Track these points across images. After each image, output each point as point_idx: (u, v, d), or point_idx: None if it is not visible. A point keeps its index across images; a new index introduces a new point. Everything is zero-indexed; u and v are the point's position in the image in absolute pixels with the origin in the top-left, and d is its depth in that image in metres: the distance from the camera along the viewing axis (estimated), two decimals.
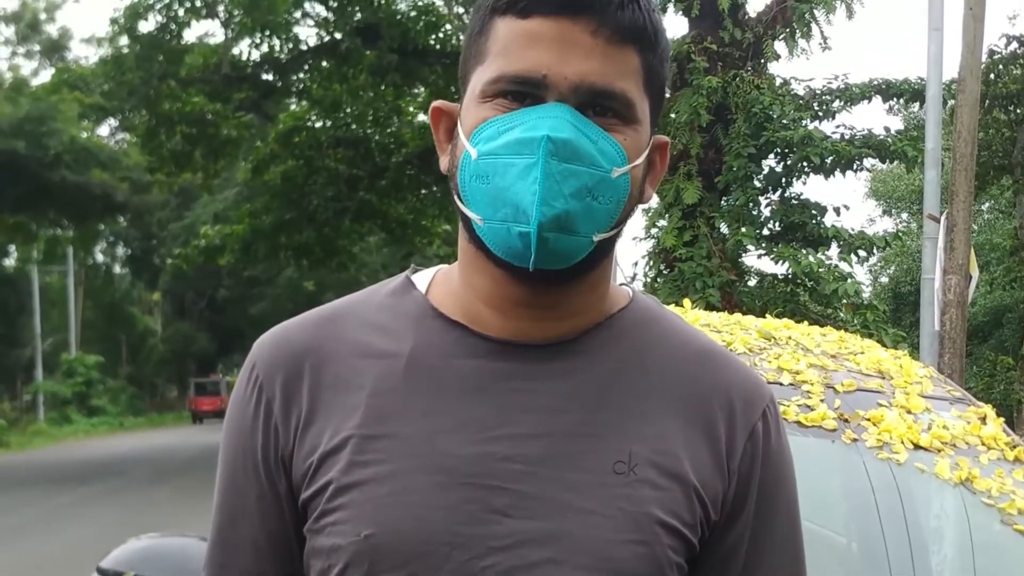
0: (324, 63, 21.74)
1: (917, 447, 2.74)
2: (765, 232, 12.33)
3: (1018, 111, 16.68)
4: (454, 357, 1.37)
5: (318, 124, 22.46)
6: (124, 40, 21.03)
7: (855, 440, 2.71)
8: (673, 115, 11.84)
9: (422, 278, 1.47)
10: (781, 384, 2.80)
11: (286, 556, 1.41)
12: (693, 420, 1.38)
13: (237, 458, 1.43)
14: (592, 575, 1.30)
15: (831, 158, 11.87)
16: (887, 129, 12.52)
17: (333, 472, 1.34)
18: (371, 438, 1.34)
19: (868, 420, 2.77)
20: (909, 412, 2.85)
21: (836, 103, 12.66)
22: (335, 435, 1.35)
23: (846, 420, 2.76)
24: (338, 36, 20.61)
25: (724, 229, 12.24)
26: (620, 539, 1.31)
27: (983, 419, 2.97)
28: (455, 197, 1.36)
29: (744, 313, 3.95)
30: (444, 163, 1.41)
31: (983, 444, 2.85)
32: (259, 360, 1.43)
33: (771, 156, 12.29)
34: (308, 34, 22.95)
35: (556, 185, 1.26)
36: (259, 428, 1.40)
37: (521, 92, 1.31)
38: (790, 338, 3.21)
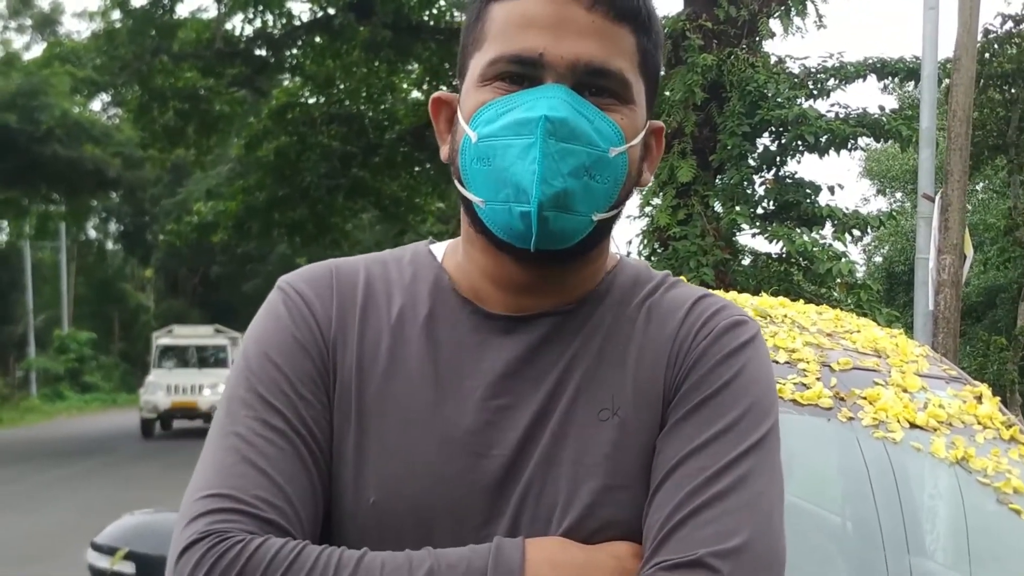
0: (317, 39, 21.65)
1: (913, 426, 2.74)
2: (759, 211, 12.32)
3: (1013, 91, 16.69)
4: (462, 330, 1.42)
5: (311, 100, 22.42)
6: (116, 14, 20.92)
7: (851, 419, 2.71)
8: (668, 93, 11.82)
9: (438, 250, 1.51)
10: (777, 362, 2.79)
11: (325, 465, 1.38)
12: (668, 353, 1.40)
13: (294, 357, 1.39)
14: (583, 523, 1.33)
15: (825, 137, 11.86)
16: (882, 108, 12.49)
17: (343, 432, 1.37)
18: (381, 400, 1.38)
19: (864, 399, 2.76)
20: (905, 391, 2.85)
21: (831, 82, 12.63)
22: (348, 394, 1.39)
23: (842, 399, 2.75)
24: (331, 11, 20.52)
25: (718, 208, 12.23)
26: (606, 485, 1.34)
27: (979, 398, 2.97)
28: (456, 182, 1.39)
29: (738, 292, 3.94)
30: (444, 152, 1.44)
31: (979, 423, 2.85)
32: (305, 291, 1.44)
33: (765, 135, 12.26)
34: (301, 9, 22.95)
35: (554, 164, 1.29)
36: (313, 349, 1.40)
37: (519, 74, 1.33)
38: (786, 316, 3.20)
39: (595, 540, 1.32)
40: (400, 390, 1.38)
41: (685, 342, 1.39)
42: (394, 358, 1.40)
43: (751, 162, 12.21)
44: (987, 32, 16.03)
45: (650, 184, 9.59)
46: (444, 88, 1.47)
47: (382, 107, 22.40)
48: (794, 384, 2.72)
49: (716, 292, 3.41)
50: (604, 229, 1.39)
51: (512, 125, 1.30)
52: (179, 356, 27.10)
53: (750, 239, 12.66)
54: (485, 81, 1.35)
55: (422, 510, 1.34)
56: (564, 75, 1.31)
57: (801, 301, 3.54)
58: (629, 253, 12.58)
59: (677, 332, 1.40)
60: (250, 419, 1.35)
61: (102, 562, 3.31)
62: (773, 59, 12.55)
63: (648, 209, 12.60)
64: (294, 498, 1.31)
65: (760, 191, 12.34)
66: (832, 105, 12.59)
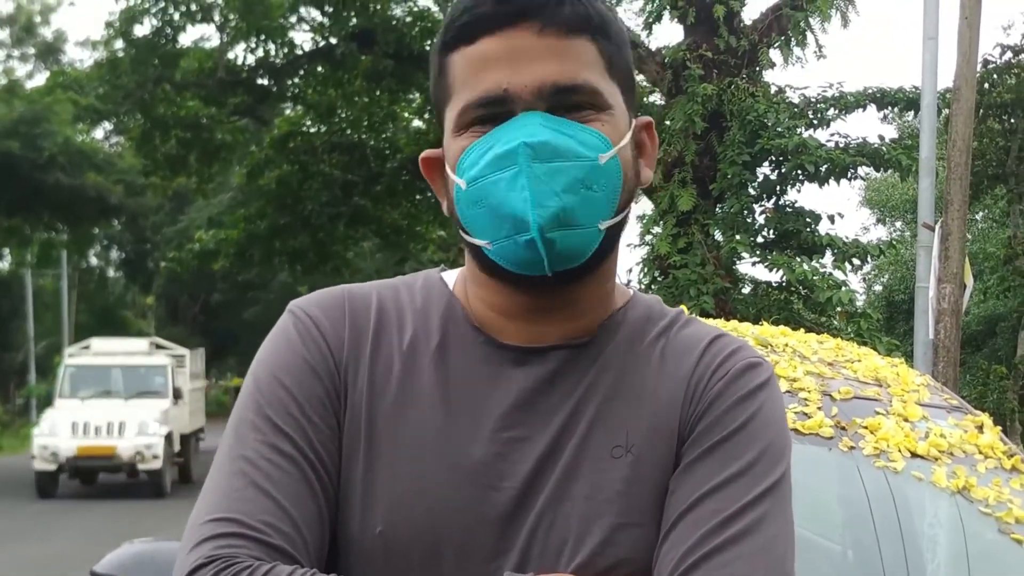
0: (319, 68, 21.70)
1: (914, 455, 2.74)
2: (759, 239, 12.35)
3: (1012, 121, 16.73)
4: (475, 359, 1.41)
5: (313, 129, 22.46)
6: (119, 43, 20.97)
7: (852, 448, 2.71)
8: (668, 122, 11.86)
9: (450, 277, 1.51)
10: None
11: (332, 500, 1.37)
12: (684, 392, 1.40)
13: (305, 384, 1.39)
14: (594, 560, 1.32)
15: (825, 166, 11.89)
16: (881, 138, 12.54)
17: (352, 460, 1.37)
18: (393, 428, 1.37)
19: (865, 428, 2.77)
20: (906, 420, 2.85)
21: (831, 111, 12.68)
22: (359, 421, 1.38)
23: (843, 428, 2.76)
24: (333, 41, 20.58)
25: (719, 236, 12.26)
26: (618, 523, 1.34)
27: (980, 428, 2.97)
28: (460, 233, 1.40)
29: (739, 320, 3.95)
30: (445, 207, 1.45)
31: (980, 453, 2.85)
32: (317, 316, 1.43)
33: (766, 164, 12.31)
34: (303, 39, 22.91)
35: (545, 185, 1.29)
36: (323, 372, 1.39)
37: (490, 114, 1.34)
38: (787, 345, 3.21)
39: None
40: (410, 418, 1.38)
41: (701, 382, 1.39)
42: (405, 385, 1.39)
43: (751, 191, 12.24)
44: (986, 62, 16.08)
45: (650, 213, 9.56)
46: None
47: (383, 136, 22.43)
48: (795, 413, 2.73)
49: (718, 321, 3.42)
50: (613, 237, 1.38)
51: (494, 161, 1.31)
52: (97, 380, 20.31)
53: (750, 267, 12.70)
54: (460, 129, 1.36)
55: (430, 541, 1.33)
56: (533, 103, 1.32)
57: (802, 330, 3.55)
58: (629, 282, 12.60)
59: (693, 371, 1.40)
60: (258, 443, 1.34)
61: None
62: (773, 89, 12.60)
63: (648, 237, 12.63)
64: (301, 524, 1.30)
65: (760, 220, 12.37)
66: (832, 134, 12.64)
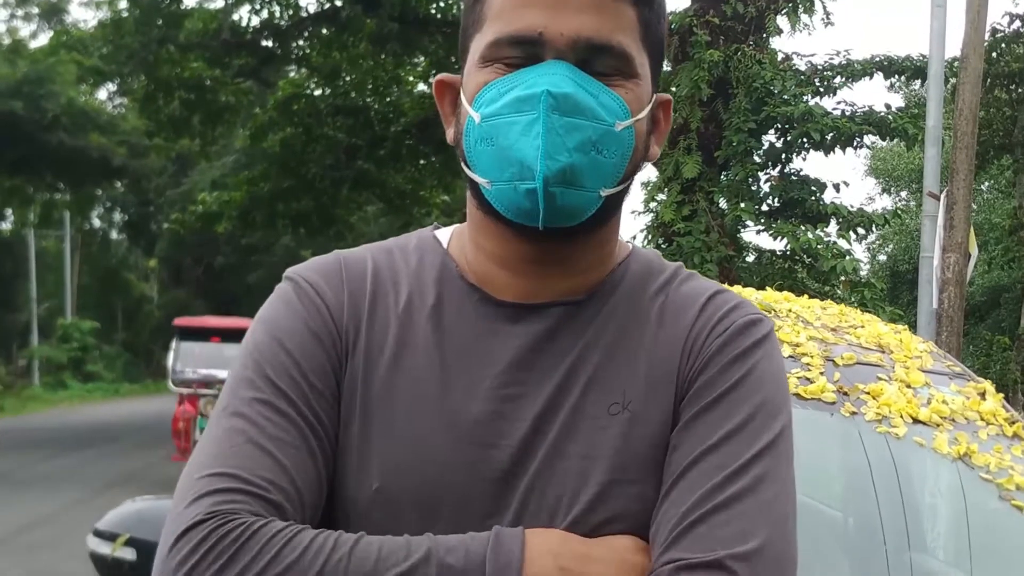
0: (324, 30, 21.60)
1: (916, 421, 2.74)
2: (764, 208, 12.30)
3: (1019, 90, 16.66)
4: (470, 317, 1.40)
5: (317, 92, 22.37)
6: (123, 3, 20.91)
7: (854, 413, 2.71)
8: (674, 89, 11.80)
9: (444, 236, 1.50)
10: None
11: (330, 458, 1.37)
12: (682, 348, 1.39)
13: (307, 346, 1.38)
14: (588, 516, 1.32)
15: (831, 134, 11.83)
16: (888, 106, 12.46)
17: (349, 419, 1.36)
18: (388, 389, 1.37)
19: (867, 393, 2.77)
20: (909, 386, 2.85)
21: (837, 79, 12.60)
22: (355, 383, 1.38)
23: (845, 393, 2.75)
24: (338, 3, 20.47)
25: (723, 204, 12.22)
26: (613, 479, 1.33)
27: (982, 394, 2.97)
28: (462, 164, 1.38)
29: (742, 287, 3.94)
30: (450, 134, 1.43)
31: (982, 419, 2.85)
32: (317, 281, 1.43)
33: (771, 131, 12.24)
34: (308, 1, 22.82)
35: (559, 139, 1.27)
36: (326, 338, 1.39)
37: (519, 53, 1.32)
38: (790, 311, 3.20)
39: (601, 533, 1.31)
40: (407, 378, 1.37)
41: (699, 338, 1.38)
42: (401, 346, 1.39)
43: (756, 159, 12.19)
44: (995, 31, 15.99)
45: (655, 180, 9.49)
46: None
47: (388, 100, 22.34)
48: (798, 378, 2.73)
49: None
50: (613, 205, 1.37)
51: (514, 103, 1.29)
52: None
53: (754, 236, 12.67)
54: (486, 62, 1.34)
55: (426, 498, 1.33)
56: (565, 52, 1.30)
57: (805, 297, 3.54)
58: (634, 238, 12.57)
59: (691, 327, 1.39)
60: (257, 402, 1.33)
61: (103, 548, 3.32)
62: (780, 56, 12.53)
63: (653, 205, 12.59)
64: (299, 482, 1.29)
65: (765, 188, 12.33)
66: (838, 103, 12.58)
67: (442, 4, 20.47)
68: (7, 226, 39.70)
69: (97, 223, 44.09)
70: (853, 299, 11.28)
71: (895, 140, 12.67)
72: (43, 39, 32.99)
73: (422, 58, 22.36)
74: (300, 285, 1.42)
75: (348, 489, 1.35)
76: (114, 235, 45.57)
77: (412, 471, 1.33)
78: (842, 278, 11.60)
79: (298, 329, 1.38)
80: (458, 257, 1.45)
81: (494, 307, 1.40)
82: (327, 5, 20.97)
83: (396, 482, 1.33)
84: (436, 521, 1.32)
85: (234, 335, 16.15)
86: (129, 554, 3.25)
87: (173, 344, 16.56)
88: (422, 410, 1.36)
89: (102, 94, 29.45)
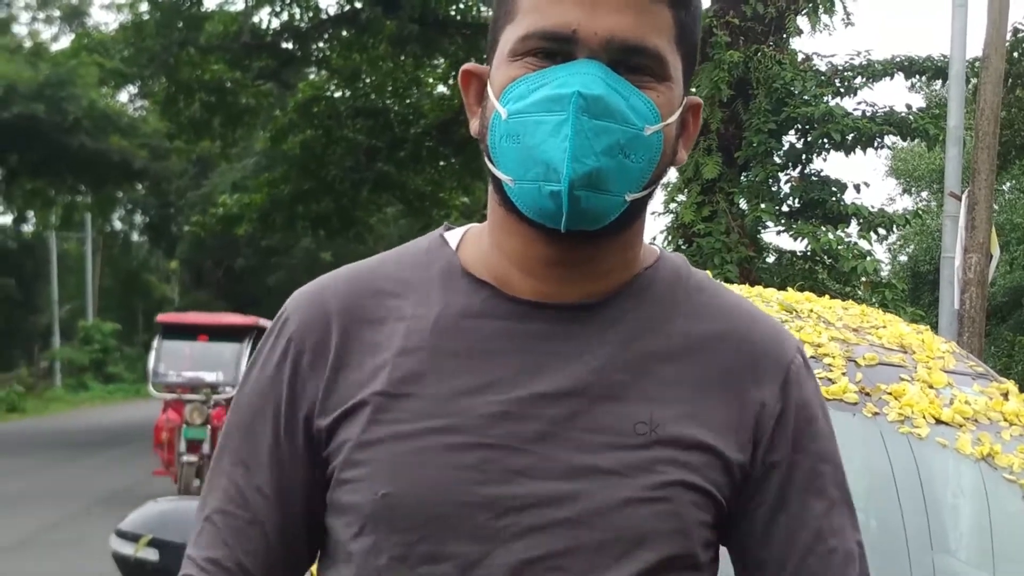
0: (344, 32, 21.66)
1: (939, 422, 2.73)
2: (784, 208, 12.27)
3: None
4: (480, 317, 1.36)
5: (337, 94, 22.41)
6: (144, 6, 21.02)
7: (876, 414, 2.70)
8: (694, 89, 11.72)
9: (454, 236, 1.46)
10: None
11: (290, 508, 1.40)
12: (717, 382, 1.36)
13: (255, 405, 1.42)
14: (611, 534, 1.29)
15: (852, 135, 11.79)
16: (909, 107, 12.42)
17: (354, 430, 1.33)
18: (394, 397, 1.33)
19: (890, 394, 2.76)
20: (931, 386, 2.83)
21: (858, 80, 12.55)
22: (358, 393, 1.34)
23: (867, 394, 2.74)
24: (358, 5, 20.53)
25: (743, 205, 12.18)
26: (639, 497, 1.29)
27: (1005, 395, 2.95)
28: (485, 159, 1.35)
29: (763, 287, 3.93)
30: (474, 126, 1.40)
31: (1005, 420, 2.83)
32: (292, 315, 1.42)
33: (791, 132, 12.20)
34: (328, 2, 22.84)
35: (587, 142, 1.24)
36: (284, 380, 1.40)
37: (551, 49, 1.29)
38: (811, 311, 3.19)
39: (624, 556, 1.29)
40: (413, 384, 1.34)
41: (762, 403, 1.38)
42: (405, 353, 1.35)
43: (777, 159, 12.16)
44: (1016, 31, 15.90)
45: (675, 181, 9.49)
46: None
47: (408, 101, 22.36)
48: (820, 379, 2.72)
49: (742, 288, 3.40)
50: (638, 209, 1.34)
51: (543, 101, 1.26)
52: None
53: (775, 236, 12.63)
54: (516, 56, 1.31)
55: (434, 503, 1.30)
56: (598, 52, 1.27)
57: (826, 297, 3.53)
58: (655, 239, 12.55)
59: (742, 381, 1.38)
60: (219, 470, 1.45)
61: (126, 548, 3.33)
62: (800, 56, 12.49)
63: (673, 206, 12.57)
64: (241, 557, 1.41)
65: (785, 188, 12.30)
66: (859, 103, 12.51)
67: (462, 6, 20.51)
68: (29, 228, 39.91)
69: (118, 225, 44.33)
70: (874, 300, 11.24)
71: (916, 140, 12.63)
72: (64, 42, 33.16)
73: (442, 60, 22.38)
74: (283, 320, 1.43)
75: (353, 495, 1.33)
76: (135, 237, 45.79)
77: (420, 476, 1.31)
78: (863, 279, 11.56)
79: (273, 365, 1.41)
80: (470, 256, 1.41)
81: (506, 304, 1.36)
82: (347, 7, 21.02)
83: (404, 487, 1.31)
84: (445, 524, 1.30)
85: (224, 333, 14.71)
86: (152, 555, 3.27)
87: (155, 343, 14.69)
88: (429, 413, 1.32)
89: (123, 96, 29.66)
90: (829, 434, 1.43)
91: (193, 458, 12.71)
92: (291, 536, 1.42)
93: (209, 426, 12.94)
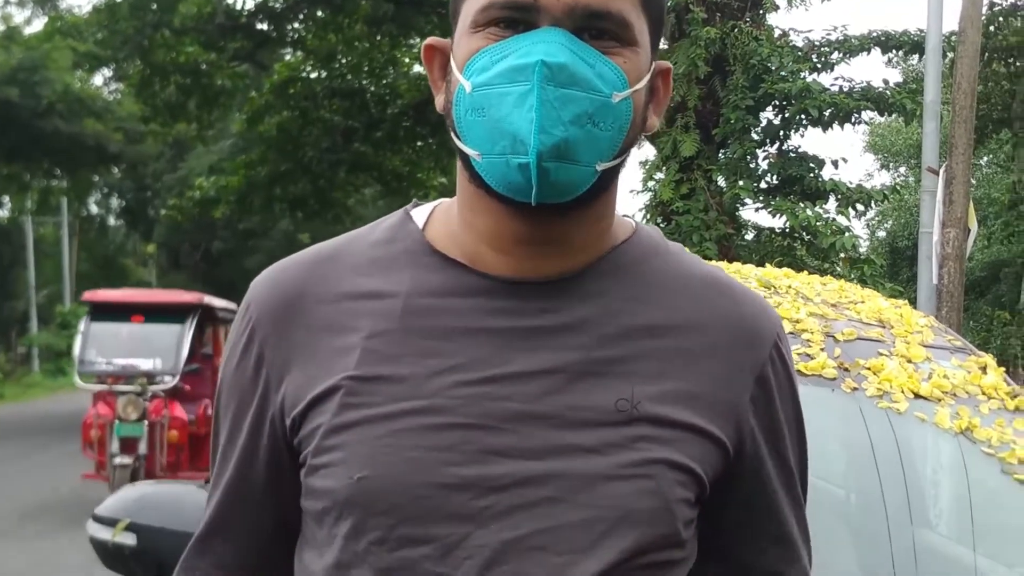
0: (319, 12, 21.55)
1: (917, 396, 2.73)
2: (763, 185, 12.29)
3: (1018, 64, 16.62)
4: (451, 296, 1.33)
5: (313, 75, 22.31)
6: None
7: (855, 389, 2.70)
8: (672, 66, 11.74)
9: (420, 213, 1.43)
10: None
11: (267, 495, 1.40)
12: (698, 355, 1.35)
13: (231, 396, 1.41)
14: (593, 512, 1.27)
15: (829, 111, 11.80)
16: (886, 82, 12.44)
17: (326, 415, 1.31)
18: (365, 380, 1.30)
19: (868, 369, 2.75)
20: (909, 361, 2.83)
21: (835, 55, 12.56)
22: (328, 378, 1.32)
23: (846, 369, 2.74)
24: None
25: (721, 182, 12.20)
26: (621, 474, 1.27)
27: (983, 368, 2.96)
28: (452, 134, 1.32)
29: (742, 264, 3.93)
30: (440, 101, 1.37)
31: (983, 393, 2.83)
32: (254, 300, 1.40)
33: (769, 108, 12.21)
34: None
35: (554, 112, 1.22)
36: (250, 368, 1.38)
37: (513, 18, 1.26)
38: (790, 287, 3.19)
39: (603, 536, 1.27)
40: (384, 366, 1.31)
41: (743, 379, 1.37)
42: (373, 334, 1.33)
43: (754, 136, 12.16)
44: (992, 4, 15.94)
45: (652, 159, 9.48)
46: None
47: (384, 82, 22.28)
48: (798, 355, 2.71)
49: (721, 264, 3.39)
50: (609, 179, 1.31)
51: (507, 72, 1.24)
52: None
53: (753, 213, 12.69)
54: (477, 27, 1.28)
55: (411, 484, 1.27)
56: (561, 19, 1.25)
57: (805, 273, 3.52)
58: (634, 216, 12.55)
59: (723, 356, 1.36)
60: (213, 472, 1.48)
61: (104, 534, 3.31)
62: (777, 32, 12.49)
63: (651, 184, 12.57)
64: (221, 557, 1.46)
65: (763, 165, 12.31)
66: (836, 79, 12.56)
67: None
68: (4, 213, 39.69)
69: (95, 209, 44.02)
70: (853, 276, 11.27)
71: (893, 115, 12.65)
72: (38, 25, 32.91)
73: (418, 39, 22.27)
74: (246, 307, 1.41)
75: (327, 480, 1.31)
76: (112, 221, 45.50)
77: (396, 460, 1.28)
78: (841, 255, 11.60)
79: (238, 355, 1.40)
80: (439, 233, 1.39)
81: (477, 281, 1.34)
82: None
83: (380, 471, 1.28)
84: (422, 506, 1.27)
85: (162, 313, 12.66)
86: (130, 539, 3.24)
87: (81, 326, 12.70)
88: (403, 397, 1.29)
89: (98, 80, 29.45)
90: (800, 417, 1.46)
91: (127, 460, 11.07)
92: (266, 528, 1.43)
93: (146, 422, 11.34)
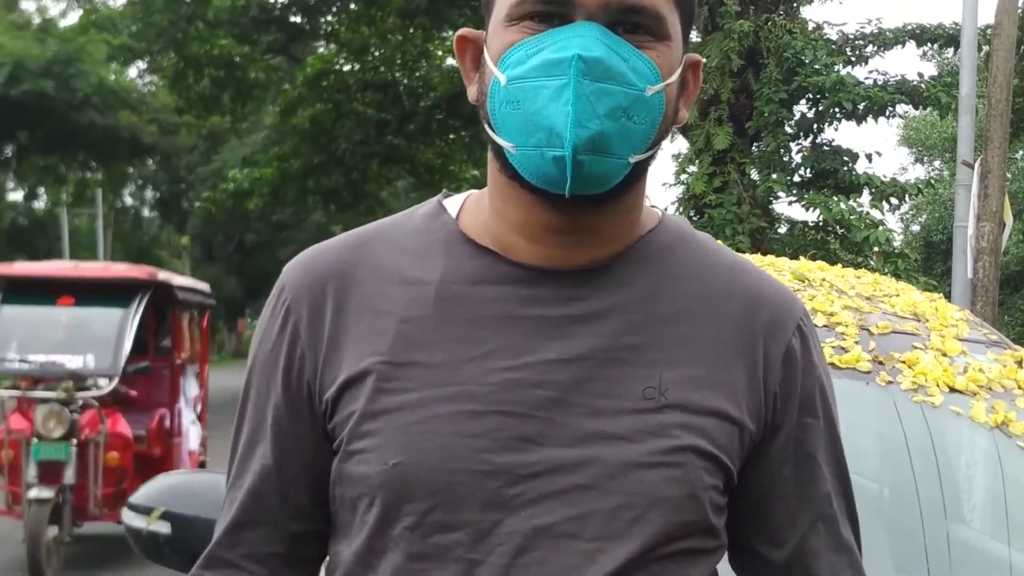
0: (352, 5, 21.58)
1: (952, 390, 2.71)
2: (796, 179, 12.26)
3: None
4: (483, 284, 1.35)
5: (346, 67, 22.35)
6: None
7: (890, 383, 2.68)
8: (704, 60, 11.70)
9: (453, 203, 1.44)
10: (816, 326, 2.76)
11: (301, 481, 1.40)
12: (725, 341, 1.36)
13: (262, 380, 1.42)
14: (623, 499, 1.28)
15: (863, 104, 11.75)
16: (920, 75, 12.38)
17: (360, 401, 1.32)
18: (398, 365, 1.32)
19: (903, 362, 2.74)
20: (945, 355, 2.82)
21: (869, 48, 12.51)
22: (361, 361, 1.33)
23: (881, 362, 2.73)
24: None
25: (754, 175, 12.16)
26: (650, 462, 1.29)
27: (1020, 362, 2.93)
28: (485, 126, 1.34)
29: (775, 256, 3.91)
30: (472, 93, 1.38)
31: (1019, 388, 2.81)
32: (288, 283, 1.41)
33: (803, 102, 12.17)
34: None
35: (589, 105, 1.23)
36: (283, 352, 1.39)
37: (548, 12, 1.27)
38: (824, 280, 3.17)
39: (629, 524, 1.28)
40: (418, 352, 1.33)
41: (769, 365, 1.38)
42: (407, 321, 1.34)
43: (788, 129, 12.12)
44: None
45: (686, 151, 9.51)
46: None
47: (417, 74, 22.31)
48: (832, 348, 2.70)
49: (755, 257, 3.38)
50: (640, 170, 1.32)
51: (543, 66, 1.25)
52: None
53: (786, 207, 12.61)
54: (513, 20, 1.29)
55: (445, 471, 1.29)
56: (596, 13, 1.26)
57: (839, 266, 3.51)
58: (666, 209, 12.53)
59: (749, 342, 1.37)
60: (238, 450, 1.46)
61: (138, 522, 3.33)
62: (811, 25, 12.45)
63: (684, 177, 12.54)
64: (254, 545, 1.44)
65: (797, 158, 12.26)
66: (870, 72, 12.48)
67: None
68: (41, 205, 39.95)
69: (129, 201, 44.32)
70: (886, 270, 11.22)
71: (928, 109, 12.58)
72: (72, 18, 33.08)
73: (451, 32, 22.28)
74: (280, 288, 1.42)
75: (363, 466, 1.32)
76: (146, 213, 45.79)
77: (430, 444, 1.29)
78: (875, 249, 11.54)
79: (272, 338, 1.40)
80: (471, 222, 1.40)
81: (509, 269, 1.35)
82: None
83: (414, 456, 1.29)
84: (456, 491, 1.29)
85: (100, 293, 9.46)
86: (164, 527, 3.26)
87: None
88: (437, 383, 1.31)
89: (132, 72, 29.59)
90: (832, 396, 1.46)
91: (47, 492, 7.99)
92: (300, 514, 1.43)
93: (75, 440, 8.26)
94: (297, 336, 1.38)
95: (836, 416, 1.46)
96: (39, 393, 8.46)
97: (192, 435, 10.95)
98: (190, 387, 11.23)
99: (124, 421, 9.20)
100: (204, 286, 12.31)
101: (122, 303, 9.32)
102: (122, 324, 9.13)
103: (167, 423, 10.17)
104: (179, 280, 10.90)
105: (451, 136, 23.67)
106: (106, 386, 8.82)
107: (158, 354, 10.69)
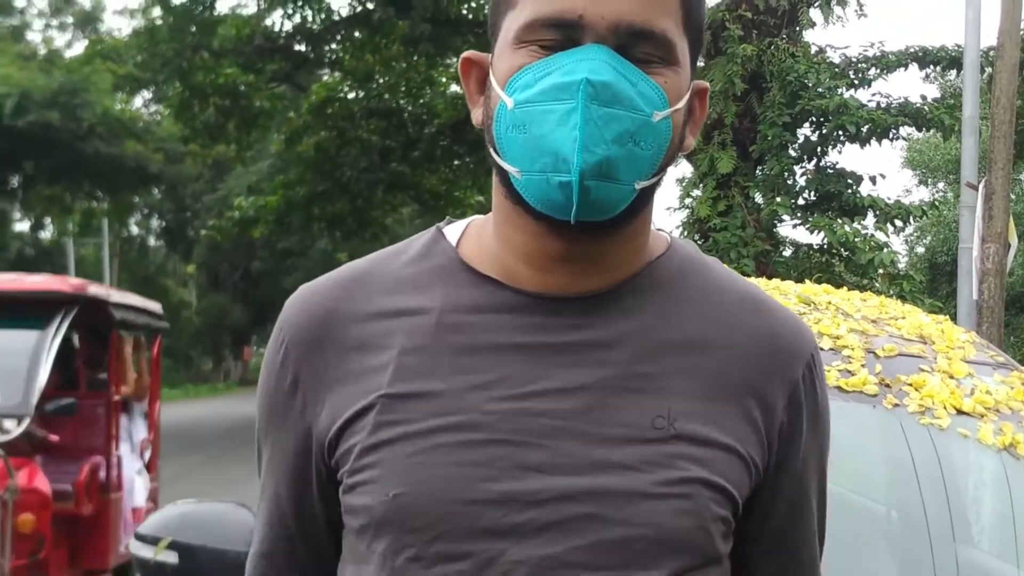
0: (356, 33, 21.69)
1: (960, 412, 2.70)
2: (800, 201, 12.27)
3: None
4: (485, 312, 1.33)
5: (351, 95, 22.44)
6: (157, 11, 21.12)
7: (896, 405, 2.68)
8: (708, 83, 11.73)
9: (454, 230, 1.43)
10: (822, 349, 2.76)
11: (328, 519, 1.40)
12: (734, 373, 1.34)
13: (271, 423, 1.42)
14: (631, 530, 1.26)
15: (867, 127, 11.77)
16: (923, 97, 12.39)
17: (362, 434, 1.31)
18: (399, 397, 1.30)
19: (910, 385, 2.73)
20: (951, 377, 2.81)
21: (872, 71, 12.53)
22: (362, 397, 1.32)
23: (887, 385, 2.72)
24: (370, 6, 20.54)
25: (759, 199, 12.18)
26: (659, 493, 1.27)
27: None
28: (490, 150, 1.32)
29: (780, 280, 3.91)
30: (477, 116, 1.36)
31: None
32: (286, 323, 1.41)
33: (806, 125, 12.19)
34: (340, 4, 22.94)
35: (597, 130, 1.21)
36: (285, 390, 1.39)
37: (557, 37, 1.25)
38: (830, 303, 3.17)
39: (640, 554, 1.26)
40: (418, 383, 1.31)
41: (775, 399, 1.37)
42: (410, 351, 1.32)
43: (792, 152, 12.15)
44: None
45: (690, 176, 9.50)
46: None
47: (421, 101, 22.38)
48: (839, 371, 2.70)
49: (760, 281, 3.38)
50: (646, 197, 1.30)
51: (551, 90, 1.22)
52: None
53: (791, 230, 12.63)
54: (520, 44, 1.27)
55: (446, 500, 1.27)
56: (605, 37, 1.24)
57: (844, 289, 3.51)
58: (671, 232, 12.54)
59: (757, 374, 1.36)
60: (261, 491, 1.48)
61: (145, 552, 3.32)
62: (814, 49, 12.47)
63: (688, 201, 12.55)
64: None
65: (801, 182, 12.28)
66: (873, 95, 12.51)
67: (474, 4, 20.50)
68: (47, 235, 40.05)
69: (135, 230, 44.45)
70: (892, 292, 11.21)
71: (931, 131, 12.60)
72: (78, 48, 33.26)
73: (455, 59, 22.36)
74: (279, 328, 1.41)
75: (364, 498, 1.31)
76: (152, 241, 45.90)
77: (431, 476, 1.28)
78: (880, 271, 11.54)
79: (274, 378, 1.40)
80: (473, 250, 1.38)
81: (511, 297, 1.32)
82: (359, 8, 21.05)
83: (415, 488, 1.28)
84: (457, 522, 1.27)
85: (9, 310, 7.67)
86: (171, 557, 3.26)
87: None
88: (438, 413, 1.29)
89: (137, 102, 29.74)
90: (827, 444, 1.46)
91: None
92: (317, 545, 1.44)
93: None
94: (298, 375, 1.37)
95: (828, 446, 1.47)
96: None
97: (138, 488, 9.09)
98: (136, 429, 9.56)
99: (42, 474, 7.28)
100: (155, 306, 10.44)
101: (38, 323, 7.55)
102: (36, 350, 7.33)
103: (102, 474, 8.25)
104: (119, 297, 9.15)
105: (455, 162, 23.73)
106: (14, 429, 7.00)
107: (91, 388, 8.77)
